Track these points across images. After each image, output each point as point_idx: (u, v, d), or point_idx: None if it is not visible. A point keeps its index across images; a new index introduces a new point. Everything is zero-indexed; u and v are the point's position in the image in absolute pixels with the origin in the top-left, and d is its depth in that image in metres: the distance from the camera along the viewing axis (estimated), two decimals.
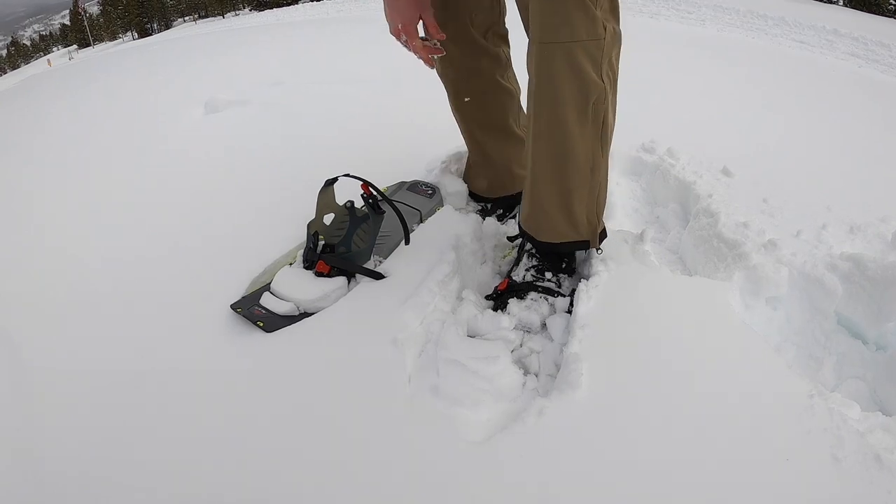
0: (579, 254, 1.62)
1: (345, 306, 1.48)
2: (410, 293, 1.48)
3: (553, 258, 1.55)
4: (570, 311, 1.45)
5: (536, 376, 1.34)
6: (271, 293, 1.52)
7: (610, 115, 1.43)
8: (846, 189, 2.23)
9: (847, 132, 3.08)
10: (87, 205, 2.25)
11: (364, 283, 1.55)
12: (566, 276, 1.56)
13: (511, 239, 1.74)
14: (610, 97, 1.41)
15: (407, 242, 1.65)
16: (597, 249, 1.55)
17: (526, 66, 1.42)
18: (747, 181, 2.19)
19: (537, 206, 1.51)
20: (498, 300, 1.53)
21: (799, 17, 10.00)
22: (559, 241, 1.51)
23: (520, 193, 1.63)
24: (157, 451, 1.16)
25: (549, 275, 1.54)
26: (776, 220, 1.92)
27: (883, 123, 3.46)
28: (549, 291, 1.51)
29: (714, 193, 2.04)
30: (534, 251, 1.57)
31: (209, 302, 1.54)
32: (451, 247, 1.64)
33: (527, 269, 1.55)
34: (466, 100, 1.79)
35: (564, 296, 1.50)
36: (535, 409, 1.19)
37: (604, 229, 1.56)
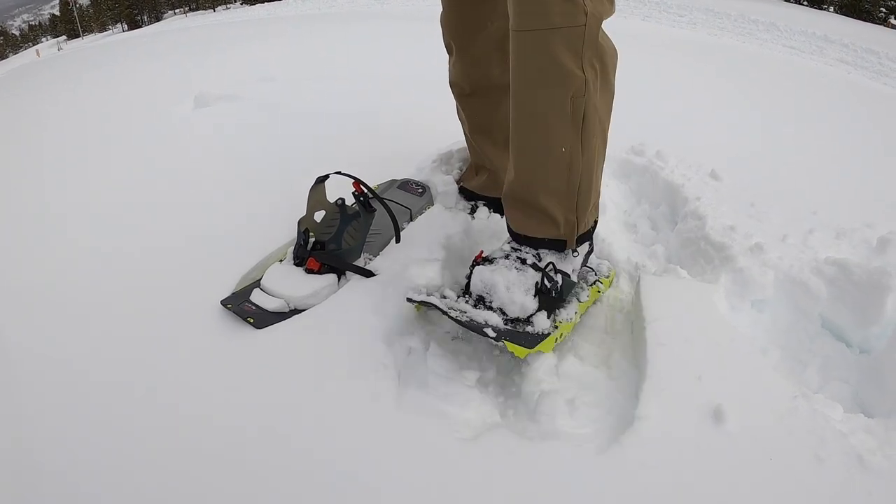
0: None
1: (334, 303, 1.49)
2: (400, 291, 1.48)
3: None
4: (540, 289, 1.38)
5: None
6: (262, 290, 1.52)
7: (592, 110, 1.35)
8: (833, 194, 2.26)
9: (835, 138, 3.11)
10: (72, 200, 2.23)
11: (354, 280, 1.55)
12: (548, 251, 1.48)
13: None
14: (594, 90, 1.34)
15: (398, 240, 1.65)
16: (573, 252, 1.50)
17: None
18: (735, 185, 2.21)
19: (514, 198, 1.46)
20: (470, 270, 1.45)
21: (790, 23, 10.09)
22: (534, 236, 1.45)
23: None
24: (147, 447, 1.15)
25: (527, 248, 1.47)
26: (763, 223, 1.93)
27: (871, 129, 3.50)
28: (521, 260, 1.43)
29: (702, 196, 2.05)
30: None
31: (199, 298, 1.54)
32: (440, 245, 1.65)
33: (508, 242, 1.51)
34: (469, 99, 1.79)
35: (540, 269, 1.40)
36: (522, 406, 1.20)
37: (588, 231, 1.51)
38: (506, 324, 1.33)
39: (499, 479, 1.08)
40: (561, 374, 1.33)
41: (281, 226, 1.77)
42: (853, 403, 1.43)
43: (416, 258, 1.59)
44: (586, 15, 1.26)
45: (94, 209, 2.13)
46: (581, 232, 1.47)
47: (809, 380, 1.49)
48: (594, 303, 1.60)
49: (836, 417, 1.19)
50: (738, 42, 7.73)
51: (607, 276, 1.68)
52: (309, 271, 1.56)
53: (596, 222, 1.57)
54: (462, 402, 1.24)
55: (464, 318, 1.29)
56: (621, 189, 2.32)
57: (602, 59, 1.35)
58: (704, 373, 1.24)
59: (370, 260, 1.63)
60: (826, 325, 1.61)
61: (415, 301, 1.32)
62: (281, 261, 1.62)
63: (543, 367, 1.34)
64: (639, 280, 1.51)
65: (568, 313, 1.43)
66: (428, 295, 1.34)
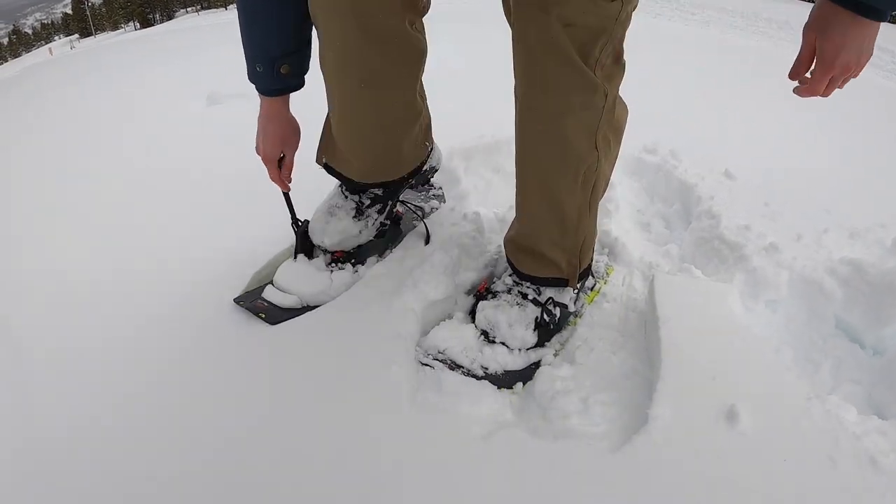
0: None
1: (348, 300, 1.50)
2: (412, 287, 1.49)
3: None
4: (540, 323, 1.44)
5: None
6: (274, 287, 1.53)
7: (601, 177, 1.39)
8: (847, 194, 2.24)
9: (849, 137, 3.09)
10: (87, 196, 2.25)
11: (367, 277, 1.56)
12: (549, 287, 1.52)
13: None
14: (605, 159, 1.36)
15: (427, 242, 1.67)
16: (574, 289, 1.52)
17: (514, 122, 1.35)
18: (749, 184, 2.20)
19: (520, 245, 1.48)
20: (476, 300, 1.53)
21: (803, 21, 10.00)
22: (537, 276, 1.48)
23: (409, 174, 1.62)
24: (158, 445, 1.16)
25: (527, 283, 1.51)
26: (777, 223, 1.93)
27: (886, 129, 3.47)
28: (523, 295, 1.48)
29: (716, 196, 2.05)
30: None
31: (211, 295, 1.55)
32: (456, 244, 1.66)
33: (510, 275, 1.54)
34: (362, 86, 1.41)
35: (540, 304, 1.46)
36: (535, 405, 1.21)
37: (588, 267, 1.53)
38: (510, 352, 1.40)
39: (511, 477, 1.09)
40: (574, 373, 1.34)
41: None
42: (867, 405, 1.43)
43: (429, 256, 1.60)
44: (605, 97, 1.26)
45: (107, 205, 2.14)
46: (582, 270, 1.51)
47: (823, 381, 1.48)
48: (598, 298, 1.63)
49: (849, 419, 1.18)
50: (752, 40, 7.68)
51: (605, 276, 1.70)
52: (335, 260, 1.57)
53: (594, 251, 1.58)
54: (475, 399, 1.25)
55: (473, 367, 1.36)
56: (634, 188, 2.32)
57: (615, 128, 1.35)
58: (718, 373, 1.24)
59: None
60: (840, 325, 1.61)
61: (428, 364, 1.36)
62: (295, 258, 1.62)
63: (556, 366, 1.35)
64: (652, 279, 1.51)
65: (563, 336, 1.50)
66: (436, 357, 1.38)
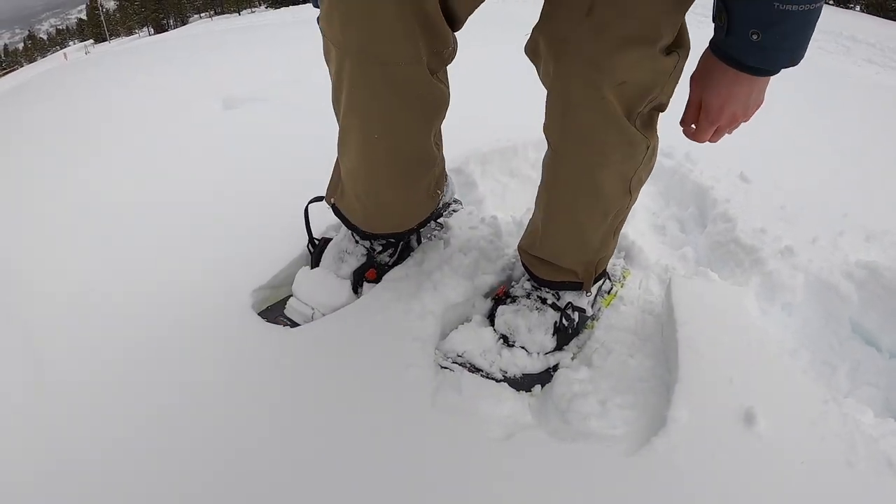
0: None
1: (368, 302, 1.51)
2: (431, 290, 1.51)
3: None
4: (559, 328, 1.45)
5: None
6: (296, 299, 1.55)
7: (629, 212, 1.39)
8: (864, 196, 2.24)
9: (865, 139, 3.08)
10: (106, 198, 2.27)
11: (386, 280, 1.57)
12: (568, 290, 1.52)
13: None
14: (636, 198, 1.36)
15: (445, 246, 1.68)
16: (587, 292, 1.52)
17: (543, 161, 1.33)
18: (765, 187, 2.20)
19: (540, 258, 1.47)
20: (494, 305, 1.54)
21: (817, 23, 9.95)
22: (553, 280, 1.48)
23: (418, 225, 1.59)
24: (176, 450, 1.17)
25: (546, 288, 1.51)
26: (793, 226, 1.93)
27: None
28: (542, 300, 1.49)
29: (732, 199, 2.06)
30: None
31: (230, 299, 1.56)
32: (474, 247, 1.67)
33: (528, 280, 1.54)
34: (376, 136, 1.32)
35: (559, 309, 1.47)
36: (554, 407, 1.22)
37: (603, 271, 1.54)
38: (529, 355, 1.41)
39: (531, 477, 1.10)
40: (592, 375, 1.35)
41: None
42: (883, 408, 1.43)
43: (449, 259, 1.62)
44: (647, 148, 1.23)
45: (125, 207, 2.16)
46: (597, 275, 1.51)
47: (839, 384, 1.49)
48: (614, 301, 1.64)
49: (866, 422, 1.19)
50: None
51: (621, 279, 1.71)
52: (368, 280, 1.57)
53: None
54: (494, 401, 1.27)
55: (492, 370, 1.37)
56: (650, 191, 2.32)
57: (650, 168, 1.31)
58: (735, 376, 1.25)
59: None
60: (856, 329, 1.61)
61: (447, 367, 1.36)
62: (313, 266, 1.61)
63: (574, 369, 1.36)
64: (669, 282, 1.52)
65: (580, 339, 1.51)
66: (455, 360, 1.39)
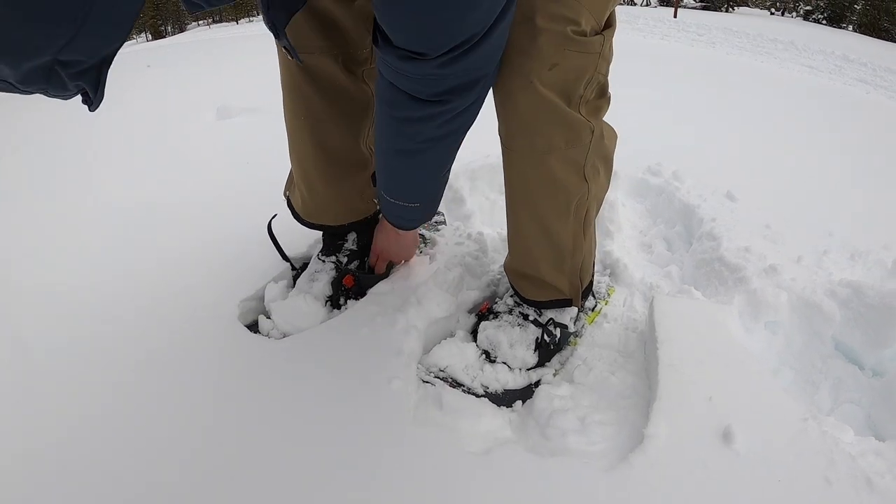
0: None
1: (352, 315, 1.52)
2: (416, 305, 1.52)
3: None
4: (540, 343, 1.46)
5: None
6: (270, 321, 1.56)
7: (593, 202, 1.39)
8: (849, 215, 2.26)
9: (853, 158, 3.11)
10: (96, 206, 2.28)
11: (371, 294, 1.58)
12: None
13: None
14: (596, 186, 1.35)
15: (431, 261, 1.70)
16: (579, 308, 1.55)
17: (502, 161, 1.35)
18: (751, 206, 2.22)
19: (519, 273, 1.50)
20: (478, 320, 1.55)
21: (809, 42, 10.06)
22: (542, 300, 1.50)
23: (352, 224, 1.65)
24: (155, 458, 1.18)
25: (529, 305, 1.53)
26: (778, 245, 1.94)
27: (890, 149, 3.48)
28: (524, 316, 1.50)
29: (718, 217, 2.07)
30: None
31: (214, 310, 1.57)
32: (459, 263, 1.68)
33: (511, 296, 1.56)
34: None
35: (541, 325, 1.48)
36: (533, 423, 1.22)
37: (590, 284, 1.55)
38: (511, 371, 1.43)
39: (509, 492, 1.10)
40: (573, 392, 1.36)
41: (301, 237, 1.81)
42: (865, 426, 1.44)
43: (434, 273, 1.62)
44: (592, 132, 1.25)
45: (116, 215, 2.17)
46: (584, 288, 1.52)
47: (821, 402, 1.50)
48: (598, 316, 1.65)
49: (846, 440, 1.19)
50: (757, 61, 7.71)
51: (606, 297, 1.72)
52: (347, 288, 1.59)
53: (594, 267, 1.59)
54: (475, 416, 1.27)
55: (474, 385, 1.39)
56: (637, 209, 2.34)
57: (604, 156, 1.34)
58: (715, 394, 1.26)
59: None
60: (839, 347, 1.62)
61: (429, 382, 1.37)
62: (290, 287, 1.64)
63: (556, 385, 1.37)
64: (652, 300, 1.53)
65: (563, 355, 1.52)
66: (437, 375, 1.40)
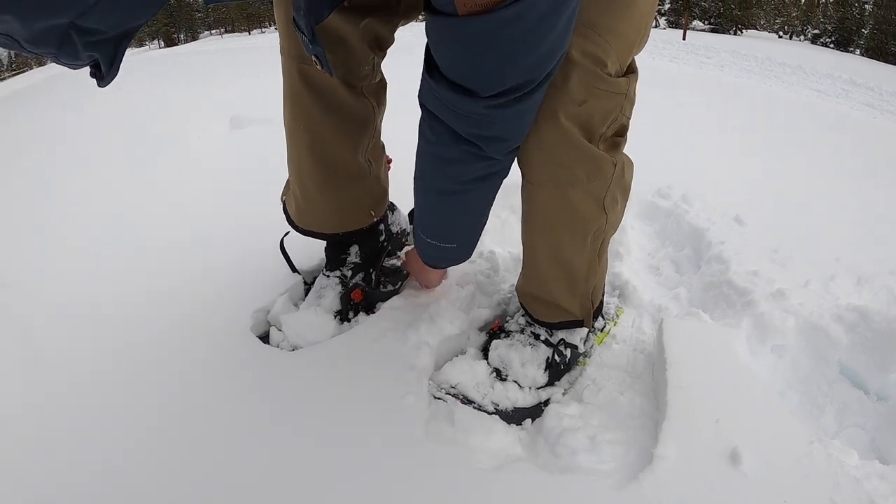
0: None
1: (365, 330, 1.54)
2: (428, 321, 1.54)
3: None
4: (551, 363, 1.48)
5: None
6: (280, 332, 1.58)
7: (609, 231, 1.39)
8: (857, 240, 2.27)
9: (860, 184, 3.12)
10: (108, 211, 2.32)
11: (383, 310, 1.60)
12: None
13: None
14: (613, 216, 1.36)
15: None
16: (590, 329, 1.57)
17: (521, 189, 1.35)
18: (759, 230, 2.24)
19: (532, 295, 1.50)
20: (489, 338, 1.57)
21: (816, 66, 10.09)
22: (553, 321, 1.51)
23: (347, 233, 1.65)
24: (165, 473, 1.19)
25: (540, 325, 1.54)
26: (786, 269, 1.96)
27: None
28: (535, 336, 1.52)
29: (726, 241, 2.09)
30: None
31: (225, 322, 1.59)
32: (471, 281, 1.71)
33: (522, 315, 1.57)
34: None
35: (552, 345, 1.50)
36: (543, 441, 1.24)
37: (600, 305, 1.55)
38: (521, 389, 1.44)
39: None
40: (583, 411, 1.38)
41: (312, 246, 1.82)
42: (869, 450, 1.45)
43: (445, 296, 1.65)
44: (614, 166, 1.26)
45: (128, 222, 2.21)
46: (594, 309, 1.53)
47: (826, 425, 1.51)
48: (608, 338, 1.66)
49: (851, 463, 1.21)
50: (765, 84, 7.75)
51: (615, 318, 1.73)
52: (354, 303, 1.61)
53: (604, 292, 1.60)
54: (486, 433, 1.29)
55: (485, 402, 1.40)
56: (646, 231, 2.36)
57: (623, 187, 1.34)
58: (723, 415, 1.28)
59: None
60: (844, 371, 1.63)
61: (440, 398, 1.39)
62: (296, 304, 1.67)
63: (565, 404, 1.39)
64: (661, 322, 1.55)
65: (572, 375, 1.54)
66: (448, 391, 1.41)
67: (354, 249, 1.68)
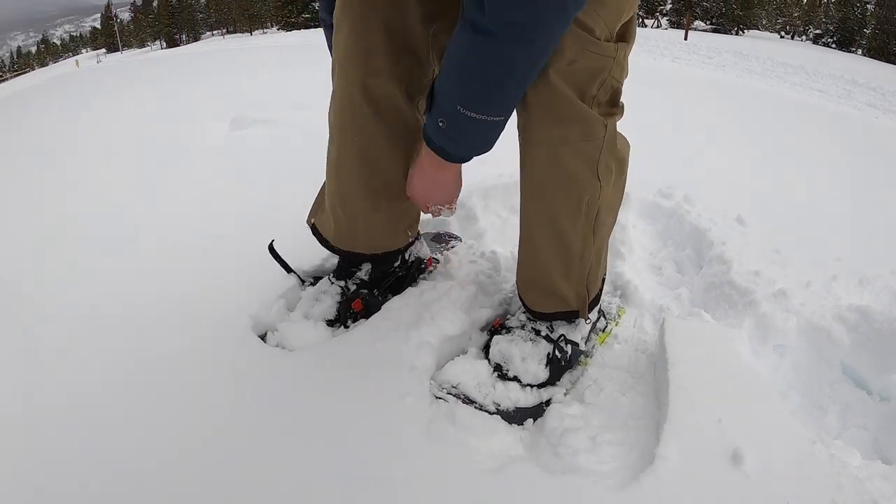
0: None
1: (366, 330, 1.53)
2: (430, 321, 1.53)
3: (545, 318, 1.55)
4: (552, 359, 1.47)
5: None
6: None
7: (605, 207, 1.39)
8: (859, 241, 2.28)
9: (862, 184, 3.12)
10: (109, 211, 2.32)
11: (384, 310, 1.60)
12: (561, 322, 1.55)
13: None
14: (608, 189, 1.37)
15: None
16: (585, 319, 1.55)
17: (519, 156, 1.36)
18: (761, 230, 2.24)
19: (528, 282, 1.51)
20: (490, 336, 1.56)
21: (818, 66, 10.08)
22: (549, 311, 1.51)
23: (380, 255, 1.63)
24: (167, 467, 1.19)
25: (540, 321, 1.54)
26: (787, 269, 1.96)
27: None
28: (536, 332, 1.51)
29: (728, 241, 2.09)
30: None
31: (226, 321, 1.59)
32: (472, 281, 1.70)
33: (523, 312, 1.57)
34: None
35: (553, 341, 1.49)
36: (545, 441, 1.24)
37: (597, 295, 1.55)
38: (522, 389, 1.43)
39: None
40: (584, 411, 1.38)
41: (310, 248, 1.80)
42: (872, 450, 1.45)
43: (447, 296, 1.64)
44: (605, 128, 1.28)
45: (128, 222, 2.21)
46: (591, 300, 1.53)
47: (829, 425, 1.51)
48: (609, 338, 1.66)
49: (853, 463, 1.20)
50: (767, 85, 7.74)
51: (616, 318, 1.73)
52: (354, 312, 1.60)
53: (604, 283, 1.60)
54: (487, 434, 1.29)
55: (486, 402, 1.39)
56: (648, 231, 2.36)
57: (618, 158, 1.36)
58: (724, 416, 1.27)
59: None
60: (846, 371, 1.63)
61: (441, 398, 1.39)
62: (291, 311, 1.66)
63: (567, 404, 1.39)
64: (663, 322, 1.55)
65: (573, 375, 1.53)
66: (450, 391, 1.40)
67: (366, 267, 1.65)
